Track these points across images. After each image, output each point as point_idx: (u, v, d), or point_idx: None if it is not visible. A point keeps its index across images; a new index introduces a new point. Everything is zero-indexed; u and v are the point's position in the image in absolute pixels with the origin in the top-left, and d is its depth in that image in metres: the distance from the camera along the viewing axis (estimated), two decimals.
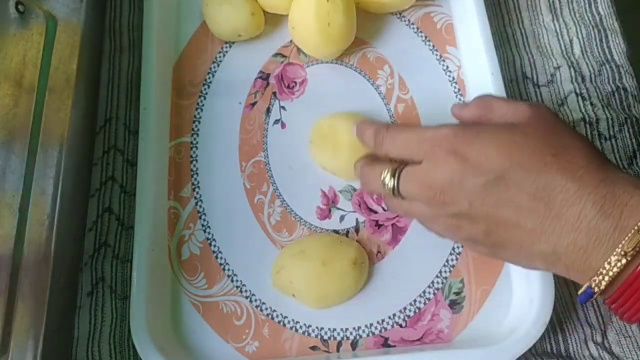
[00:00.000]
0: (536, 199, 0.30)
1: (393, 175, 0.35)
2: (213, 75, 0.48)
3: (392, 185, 0.35)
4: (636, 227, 0.28)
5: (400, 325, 0.41)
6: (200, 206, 0.44)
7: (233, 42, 0.49)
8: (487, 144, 0.32)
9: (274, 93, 0.47)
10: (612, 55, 0.49)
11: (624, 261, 0.28)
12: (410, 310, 0.41)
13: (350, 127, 0.41)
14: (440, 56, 0.48)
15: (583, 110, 0.47)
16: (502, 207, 0.31)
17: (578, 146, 0.31)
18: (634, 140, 0.46)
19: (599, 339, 0.41)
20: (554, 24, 0.50)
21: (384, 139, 0.37)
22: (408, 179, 0.34)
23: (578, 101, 0.48)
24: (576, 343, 0.41)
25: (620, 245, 0.28)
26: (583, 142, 0.32)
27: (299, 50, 0.49)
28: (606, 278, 0.29)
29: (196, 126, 0.47)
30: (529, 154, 0.31)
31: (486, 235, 0.33)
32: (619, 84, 0.48)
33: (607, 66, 0.49)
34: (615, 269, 0.28)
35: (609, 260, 0.28)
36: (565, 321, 0.41)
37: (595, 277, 0.29)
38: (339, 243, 0.41)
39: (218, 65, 0.49)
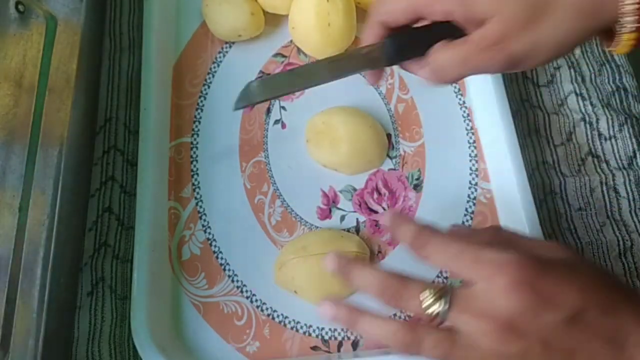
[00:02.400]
0: (610, 342, 0.27)
1: (439, 298, 0.29)
2: (213, 75, 0.48)
3: (440, 309, 0.29)
4: None
5: None
6: (201, 206, 0.44)
7: (233, 42, 0.49)
8: (559, 276, 0.28)
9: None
10: (612, 55, 0.49)
11: None
12: None
13: (345, 119, 0.40)
14: None
15: (583, 110, 0.47)
16: (577, 350, 0.28)
17: (636, 292, 0.30)
18: (634, 140, 0.46)
19: None
20: None
21: (428, 243, 0.31)
22: (462, 304, 0.29)
23: (578, 101, 0.48)
24: None
25: None
26: (616, 277, 0.31)
27: (299, 50, 0.49)
28: None
29: (196, 126, 0.47)
30: (605, 291, 0.28)
31: None
32: (619, 84, 0.48)
33: (607, 66, 0.49)
34: None
35: None
36: None
37: None
38: (341, 238, 0.41)
39: (218, 65, 0.49)
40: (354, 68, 0.36)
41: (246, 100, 0.37)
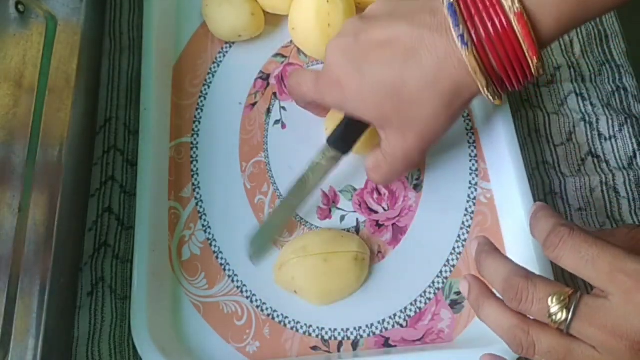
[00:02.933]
0: None
1: (566, 306, 0.27)
2: (213, 75, 0.48)
3: (563, 318, 0.27)
4: None
5: (401, 325, 0.41)
6: (201, 206, 0.44)
7: (233, 42, 0.49)
8: None
9: (274, 93, 0.47)
10: (612, 55, 0.49)
11: None
12: (410, 310, 0.41)
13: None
14: None
15: (583, 110, 0.47)
16: None
17: None
18: (634, 140, 0.46)
19: None
20: None
21: (562, 243, 0.28)
22: (589, 316, 0.27)
23: (578, 101, 0.48)
24: None
25: None
26: None
27: (299, 50, 0.49)
28: None
29: (196, 126, 0.47)
30: None
31: None
32: (619, 84, 0.48)
33: (607, 66, 0.49)
34: None
35: None
36: None
37: None
38: (341, 238, 0.41)
39: (218, 65, 0.49)
40: (321, 178, 0.42)
41: (261, 252, 0.42)
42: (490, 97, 0.34)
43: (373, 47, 0.34)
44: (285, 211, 0.43)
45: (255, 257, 0.42)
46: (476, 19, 0.32)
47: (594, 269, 0.27)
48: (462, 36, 0.31)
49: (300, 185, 0.41)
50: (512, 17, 0.31)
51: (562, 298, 0.27)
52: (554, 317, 0.27)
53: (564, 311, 0.27)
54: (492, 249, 0.33)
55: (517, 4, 0.30)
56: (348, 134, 0.39)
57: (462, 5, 0.32)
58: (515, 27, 0.31)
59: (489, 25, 0.31)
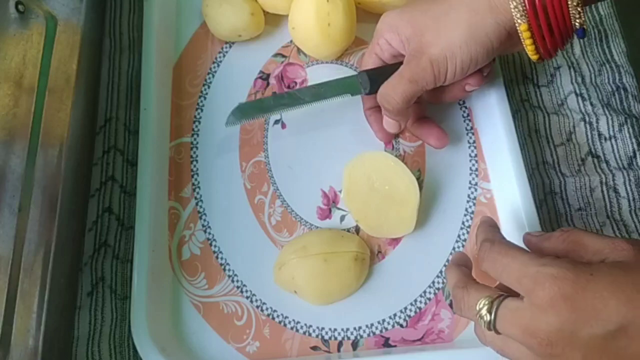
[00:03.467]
0: None
1: (490, 310, 0.30)
2: (213, 75, 0.48)
3: (488, 320, 0.30)
4: None
5: (401, 325, 0.41)
6: (201, 206, 0.44)
7: (233, 42, 0.49)
8: (603, 288, 0.27)
9: (274, 93, 0.47)
10: (612, 55, 0.49)
11: None
12: (410, 310, 0.41)
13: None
14: None
15: (583, 110, 0.47)
16: None
17: None
18: (634, 140, 0.46)
19: None
20: None
21: (485, 254, 0.32)
22: (507, 317, 0.29)
23: (578, 101, 0.48)
24: None
25: None
26: None
27: (299, 50, 0.49)
28: None
29: (196, 126, 0.47)
30: None
31: None
32: (619, 84, 0.48)
33: (607, 66, 0.49)
34: None
35: None
36: None
37: None
38: (341, 238, 0.41)
39: (218, 65, 0.49)
40: (333, 93, 0.43)
41: (237, 118, 0.44)
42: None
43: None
44: (280, 98, 0.44)
45: (232, 120, 0.44)
46: None
47: (507, 276, 0.30)
48: None
49: (310, 89, 0.43)
50: None
51: (487, 302, 0.30)
52: (480, 320, 0.30)
53: (488, 314, 0.30)
54: (453, 261, 0.37)
55: None
56: (377, 77, 0.41)
57: None
58: None
59: None
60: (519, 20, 0.35)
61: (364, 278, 0.41)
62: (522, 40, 0.36)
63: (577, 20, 0.35)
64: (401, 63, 0.40)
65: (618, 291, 0.27)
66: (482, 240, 0.34)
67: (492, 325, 0.30)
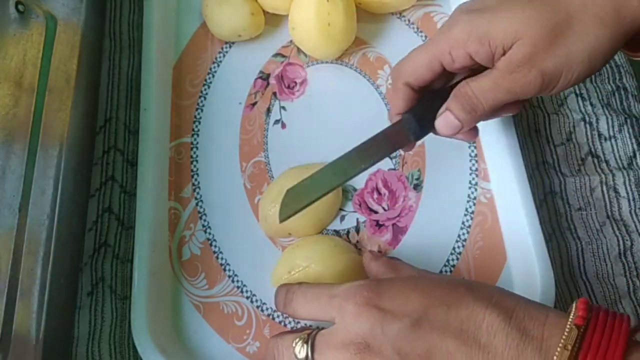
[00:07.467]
0: (463, 333, 0.29)
1: (306, 342, 0.32)
2: (213, 75, 0.48)
3: (305, 354, 0.32)
4: (560, 345, 0.27)
5: None
6: (201, 206, 0.44)
7: (233, 42, 0.49)
8: (401, 289, 0.32)
9: (274, 93, 0.47)
10: None
11: None
12: None
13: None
14: None
15: (583, 110, 0.47)
16: (433, 350, 0.29)
17: (480, 284, 0.32)
18: (634, 140, 0.46)
19: None
20: None
21: (294, 294, 0.35)
22: (323, 342, 0.31)
23: (578, 101, 0.48)
24: None
25: None
26: (481, 283, 0.34)
27: (299, 50, 0.49)
28: None
29: (196, 126, 0.47)
30: (444, 290, 0.31)
31: None
32: (619, 84, 0.48)
33: (607, 66, 0.49)
34: None
35: None
36: None
37: None
38: (334, 247, 0.40)
39: (218, 65, 0.49)
40: (384, 153, 0.37)
41: (292, 208, 0.36)
42: None
43: None
44: (332, 175, 0.36)
45: (282, 213, 0.37)
46: None
47: (318, 305, 0.33)
48: None
49: (357, 156, 0.36)
50: None
51: (302, 338, 0.32)
52: (298, 354, 0.32)
53: (304, 347, 0.32)
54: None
55: None
56: (428, 115, 0.36)
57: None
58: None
59: None
60: None
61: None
62: None
63: None
64: (439, 93, 0.36)
65: (414, 289, 0.31)
66: (287, 287, 0.36)
67: (311, 357, 0.31)
